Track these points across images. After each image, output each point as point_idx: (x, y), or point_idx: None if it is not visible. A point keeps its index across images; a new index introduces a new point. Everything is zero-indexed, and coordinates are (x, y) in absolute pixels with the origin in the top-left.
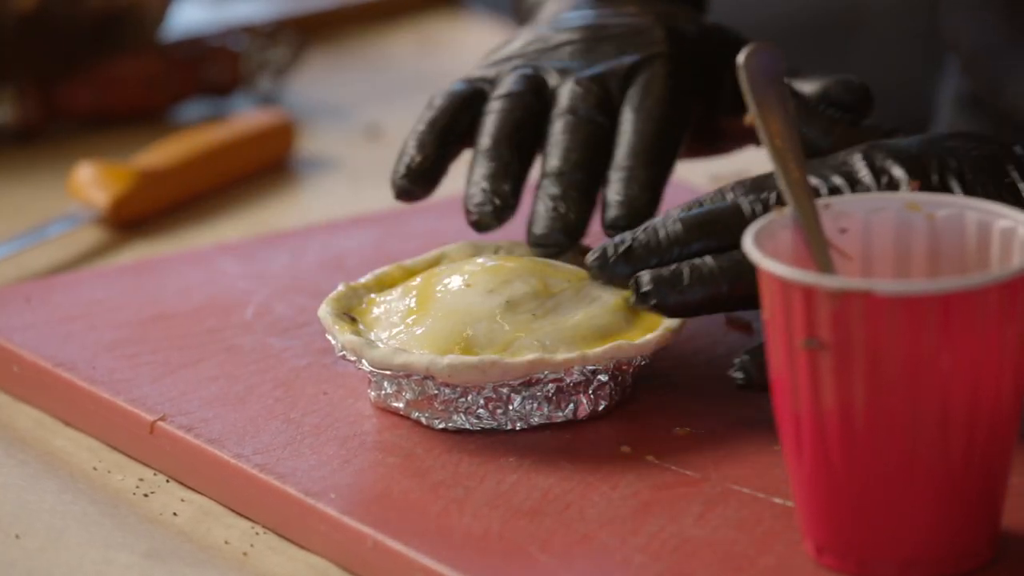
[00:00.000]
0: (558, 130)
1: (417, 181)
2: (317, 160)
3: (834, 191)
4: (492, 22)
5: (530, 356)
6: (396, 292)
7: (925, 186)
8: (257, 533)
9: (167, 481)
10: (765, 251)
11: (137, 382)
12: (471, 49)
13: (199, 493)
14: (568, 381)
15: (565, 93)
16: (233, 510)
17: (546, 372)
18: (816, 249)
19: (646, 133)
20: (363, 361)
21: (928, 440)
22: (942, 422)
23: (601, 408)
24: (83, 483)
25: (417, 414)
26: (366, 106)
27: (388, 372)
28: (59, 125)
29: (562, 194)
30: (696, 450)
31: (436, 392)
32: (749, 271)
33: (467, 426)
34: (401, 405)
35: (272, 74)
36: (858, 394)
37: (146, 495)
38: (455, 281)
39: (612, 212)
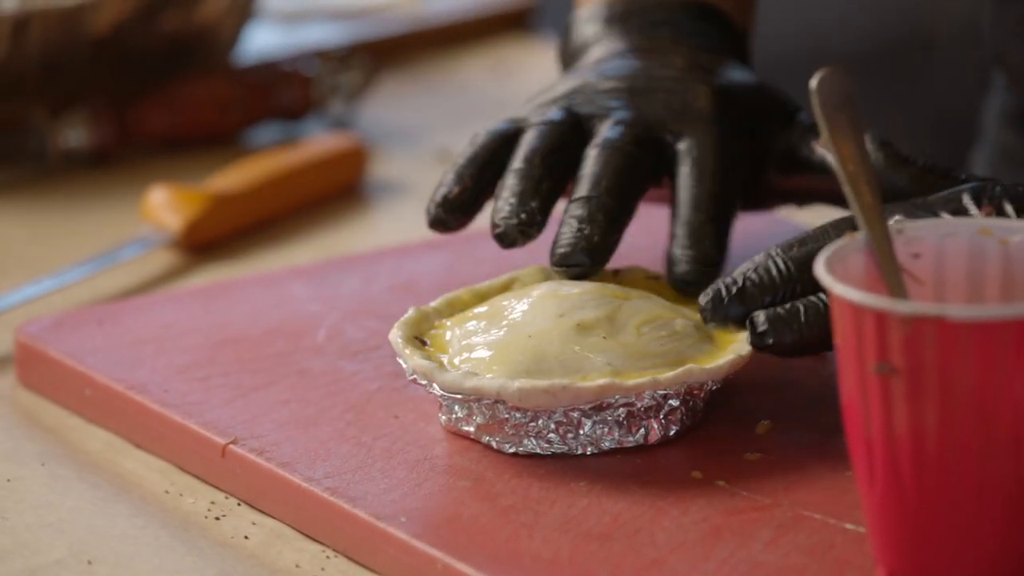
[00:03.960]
0: (591, 158)
1: (453, 212)
2: (388, 184)
3: None
4: None
5: (601, 381)
6: (467, 316)
7: None
8: (328, 557)
9: (238, 504)
10: (837, 275)
11: (208, 405)
12: (542, 74)
13: (270, 516)
14: (639, 406)
15: (603, 129)
16: (304, 533)
17: (617, 397)
18: (888, 274)
19: (705, 189)
20: (434, 385)
21: (1000, 466)
22: (1014, 447)
23: (672, 433)
24: (154, 506)
25: (487, 438)
26: (437, 130)
27: (459, 396)
28: (132, 148)
29: (589, 216)
30: (767, 475)
31: (507, 416)
32: None
33: (537, 450)
34: (471, 429)
35: (344, 98)
36: (930, 419)
37: (217, 518)
38: (526, 305)
39: (682, 267)
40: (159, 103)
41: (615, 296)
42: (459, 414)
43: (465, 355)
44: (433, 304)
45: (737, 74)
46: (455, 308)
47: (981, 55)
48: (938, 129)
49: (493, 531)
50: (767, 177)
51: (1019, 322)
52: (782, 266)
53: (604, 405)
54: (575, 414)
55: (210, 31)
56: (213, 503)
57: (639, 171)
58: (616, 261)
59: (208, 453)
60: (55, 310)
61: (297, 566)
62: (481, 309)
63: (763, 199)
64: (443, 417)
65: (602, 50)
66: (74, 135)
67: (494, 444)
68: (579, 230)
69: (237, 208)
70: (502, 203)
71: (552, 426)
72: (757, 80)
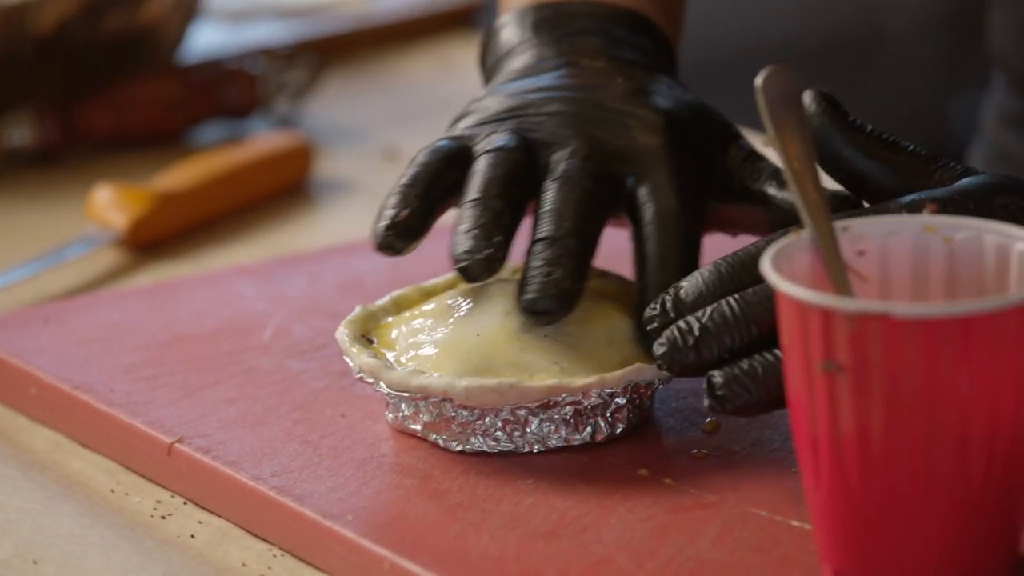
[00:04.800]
0: (551, 193)
1: (402, 235)
2: (334, 182)
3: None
4: None
5: (549, 380)
6: (413, 314)
7: None
8: (275, 555)
9: (185, 503)
10: (783, 273)
11: (155, 404)
12: None
13: (217, 515)
14: (586, 404)
15: (558, 160)
16: (251, 532)
17: (564, 395)
18: (834, 271)
19: (670, 240)
20: (380, 383)
21: (946, 463)
22: (960, 445)
23: (619, 431)
24: (101, 506)
25: (434, 436)
26: (384, 128)
27: (406, 394)
28: (77, 147)
29: (555, 259)
30: (714, 473)
31: (453, 414)
32: None
33: (484, 448)
34: (418, 427)
35: (289, 97)
36: (876, 417)
37: (164, 517)
38: (472, 303)
39: (654, 310)
40: (104, 102)
41: None
42: (406, 412)
43: (412, 353)
44: (380, 302)
45: (678, 94)
46: (402, 306)
47: (933, 52)
48: (889, 129)
49: (440, 529)
50: (713, 205)
51: (963, 320)
52: (736, 308)
53: (551, 403)
54: (522, 412)
55: (155, 30)
56: (159, 502)
57: (598, 207)
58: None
59: (154, 452)
60: (0, 309)
61: (244, 565)
62: (428, 307)
63: (713, 227)
64: (390, 415)
65: (528, 57)
66: (18, 134)
67: (441, 442)
68: (548, 274)
69: (183, 207)
70: (463, 237)
71: (499, 424)
72: (696, 100)
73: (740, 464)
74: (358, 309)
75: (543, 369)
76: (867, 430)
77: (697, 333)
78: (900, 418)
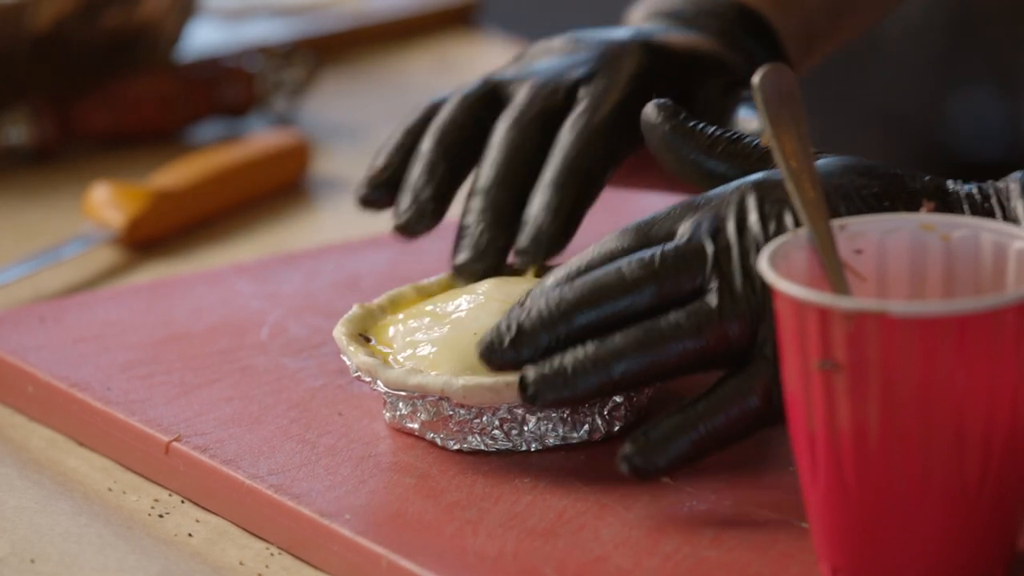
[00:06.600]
0: (493, 141)
1: (378, 188)
2: (331, 181)
3: (719, 243)
4: (507, 42)
5: None
6: (411, 313)
7: None
8: (272, 554)
9: (182, 502)
10: (780, 271)
11: (152, 403)
12: (486, 69)
13: (214, 514)
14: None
15: (513, 100)
16: (248, 531)
17: None
18: (831, 270)
19: (570, 156)
20: (378, 382)
21: (942, 461)
22: (956, 443)
23: (616, 429)
24: (97, 504)
25: (432, 435)
26: (381, 126)
27: (403, 393)
28: (74, 145)
29: (479, 216)
30: (711, 471)
31: (451, 413)
32: (635, 349)
33: (482, 447)
34: (416, 426)
35: (287, 94)
36: (872, 415)
37: (161, 516)
38: (470, 302)
39: (521, 242)
40: (101, 100)
41: None
42: (403, 411)
43: (409, 352)
44: (377, 301)
45: (689, 38)
46: (399, 305)
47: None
48: (887, 128)
49: (438, 528)
50: None
51: (960, 318)
52: (555, 303)
53: None
54: (519, 411)
55: (152, 28)
56: (156, 501)
57: (538, 149)
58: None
59: (151, 451)
60: None
61: (241, 563)
62: (425, 306)
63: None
64: (387, 414)
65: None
66: (15, 132)
67: (438, 441)
68: (470, 231)
69: (180, 205)
70: (402, 192)
71: (496, 423)
72: (710, 46)
73: (737, 462)
74: (355, 308)
75: None
76: (864, 428)
77: (514, 332)
78: (897, 416)
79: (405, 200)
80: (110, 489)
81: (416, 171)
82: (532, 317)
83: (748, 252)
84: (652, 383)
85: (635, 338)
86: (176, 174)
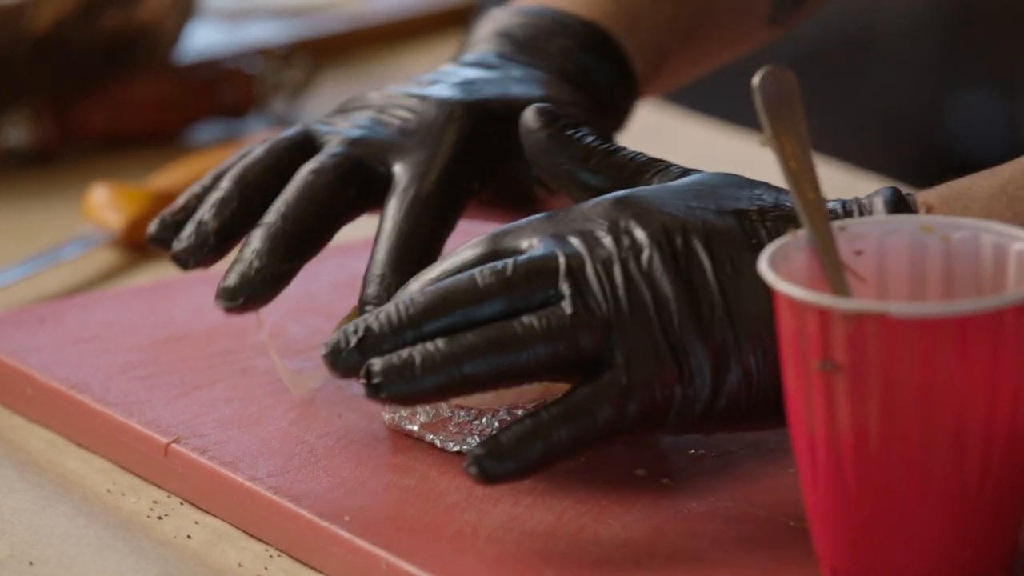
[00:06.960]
0: (291, 182)
1: (169, 227)
2: None
3: (572, 255)
4: None
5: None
6: None
7: (670, 251)
8: (271, 556)
9: (181, 504)
10: (780, 273)
11: (151, 404)
12: None
13: (213, 516)
14: None
15: (323, 149)
16: (247, 532)
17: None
18: (831, 271)
19: (402, 231)
20: None
21: (942, 462)
22: (957, 444)
23: None
24: (96, 506)
25: (431, 437)
26: None
27: None
28: (73, 147)
29: (254, 241)
30: (711, 473)
31: (450, 415)
32: (486, 348)
33: None
34: (415, 428)
35: (286, 96)
36: (873, 416)
37: (160, 518)
38: None
39: (365, 296)
40: (100, 101)
41: None
42: (403, 413)
43: None
44: None
45: (517, 88)
46: None
47: (929, 52)
48: (886, 129)
49: (437, 530)
50: (532, 188)
51: (960, 319)
52: (405, 308)
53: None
54: (519, 412)
55: (152, 29)
56: (156, 502)
57: (328, 192)
58: None
59: (150, 452)
60: None
61: (240, 565)
62: None
63: (530, 205)
64: (387, 416)
65: (479, 47)
66: (14, 133)
67: (438, 443)
68: (243, 259)
69: None
70: (187, 224)
71: (496, 424)
72: (542, 93)
73: (738, 464)
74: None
75: None
76: (864, 429)
77: (361, 334)
78: (897, 417)
79: (187, 230)
80: (109, 491)
81: (206, 204)
82: (380, 320)
83: (600, 264)
84: (501, 387)
85: (486, 338)
86: (175, 176)
